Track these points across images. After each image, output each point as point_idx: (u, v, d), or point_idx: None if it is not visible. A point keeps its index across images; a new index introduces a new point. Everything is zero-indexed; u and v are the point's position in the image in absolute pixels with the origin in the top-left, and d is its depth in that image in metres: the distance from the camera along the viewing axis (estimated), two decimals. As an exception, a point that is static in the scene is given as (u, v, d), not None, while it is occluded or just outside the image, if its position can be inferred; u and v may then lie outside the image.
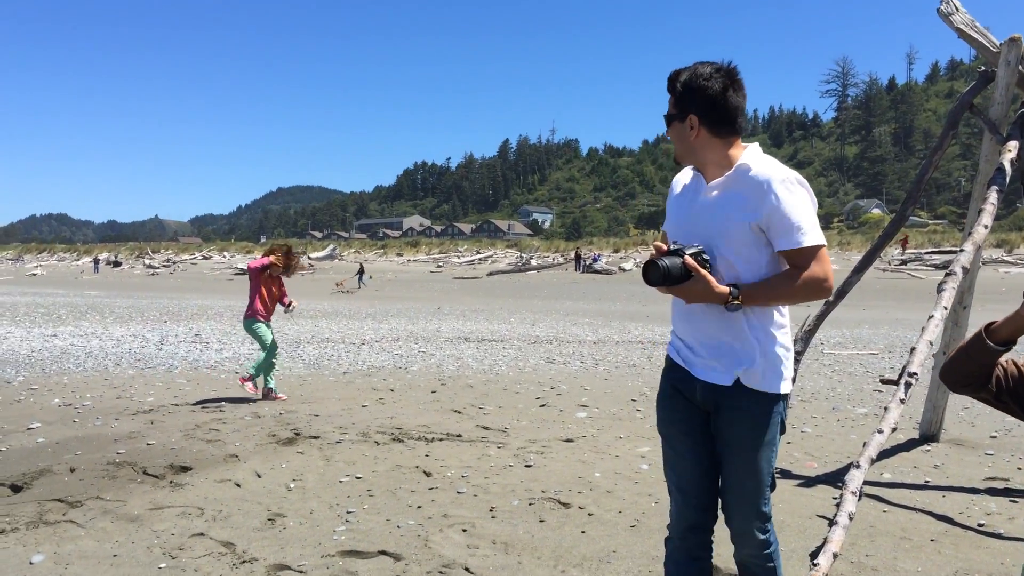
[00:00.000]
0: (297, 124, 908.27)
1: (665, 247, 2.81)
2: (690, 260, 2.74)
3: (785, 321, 2.92)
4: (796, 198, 2.77)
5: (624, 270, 51.32)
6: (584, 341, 15.58)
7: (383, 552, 4.40)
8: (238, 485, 5.60)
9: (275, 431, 7.20)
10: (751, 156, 2.87)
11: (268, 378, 8.98)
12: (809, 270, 2.77)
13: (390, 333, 16.84)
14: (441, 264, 63.02)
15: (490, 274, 51.62)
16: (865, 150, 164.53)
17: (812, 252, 2.77)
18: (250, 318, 9.02)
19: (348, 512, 5.04)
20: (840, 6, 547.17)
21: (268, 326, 9.03)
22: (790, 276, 2.79)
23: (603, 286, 41.92)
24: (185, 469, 6.00)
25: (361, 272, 39.37)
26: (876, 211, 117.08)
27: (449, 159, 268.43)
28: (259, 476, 5.83)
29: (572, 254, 62.13)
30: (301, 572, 4.14)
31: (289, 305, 9.33)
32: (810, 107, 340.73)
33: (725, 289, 2.76)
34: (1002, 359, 2.04)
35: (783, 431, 2.93)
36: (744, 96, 2.92)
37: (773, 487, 2.97)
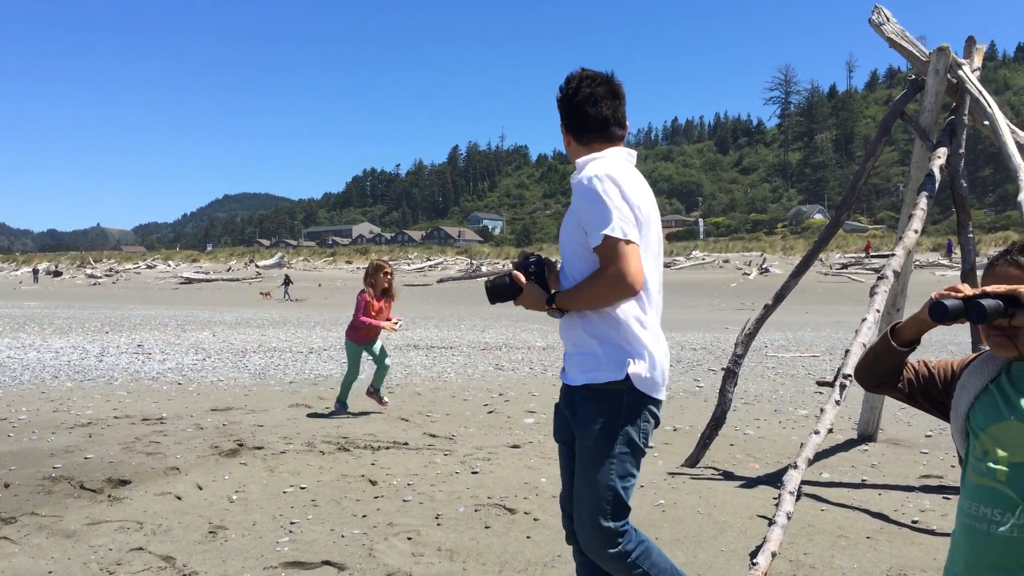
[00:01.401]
0: (244, 130, 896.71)
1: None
2: (517, 272, 2.82)
3: (623, 320, 2.76)
4: (600, 194, 2.70)
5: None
6: (533, 347, 15.64)
7: (327, 562, 4.37)
8: (179, 498, 5.50)
9: (217, 442, 7.10)
10: (585, 160, 2.87)
11: (380, 392, 8.88)
12: (607, 266, 2.67)
13: (338, 341, 16.70)
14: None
15: (440, 281, 51.53)
16: (807, 156, 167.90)
17: (608, 248, 2.66)
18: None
19: (292, 523, 4.99)
20: (783, 15, 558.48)
21: (361, 346, 8.83)
22: (593, 276, 2.73)
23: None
24: (124, 483, 5.88)
25: (287, 282, 38.46)
26: (819, 216, 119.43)
27: (399, 166, 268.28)
28: (200, 488, 5.74)
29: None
30: (243, 585, 4.08)
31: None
32: (755, 114, 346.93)
33: (543, 296, 2.81)
34: (912, 360, 2.11)
35: (634, 445, 2.82)
36: (616, 104, 2.92)
37: (620, 505, 2.83)
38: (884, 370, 2.08)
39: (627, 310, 2.75)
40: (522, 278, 2.86)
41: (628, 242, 2.66)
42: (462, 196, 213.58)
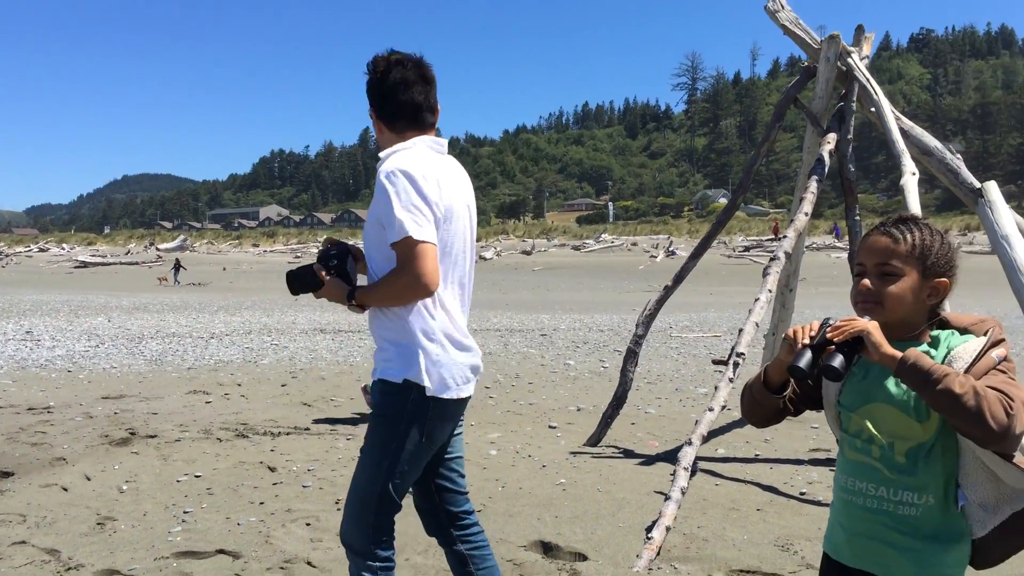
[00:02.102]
0: (143, 108, 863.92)
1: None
2: (318, 265, 2.77)
3: (411, 319, 2.72)
4: (396, 192, 2.65)
5: (485, 259, 51.64)
6: (442, 330, 15.60)
7: (221, 551, 4.26)
8: (65, 489, 5.28)
9: (108, 431, 6.84)
10: (388, 152, 2.80)
11: None
12: (403, 266, 2.65)
13: (242, 326, 16.31)
14: (300, 255, 61.43)
15: (350, 264, 50.80)
16: (713, 142, 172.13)
17: (404, 247, 2.63)
18: None
19: (185, 512, 4.85)
20: (691, 1, 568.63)
21: None
22: (390, 274, 2.71)
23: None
24: (7, 475, 5.61)
25: (177, 267, 37.01)
26: (723, 200, 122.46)
27: (308, 147, 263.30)
28: (89, 479, 5.52)
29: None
30: (131, 577, 3.95)
31: None
32: (663, 100, 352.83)
33: (344, 291, 2.76)
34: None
35: (414, 442, 2.74)
36: (427, 89, 2.83)
37: (389, 501, 2.77)
38: (767, 412, 2.11)
39: (417, 310, 2.72)
40: (323, 273, 2.77)
41: (423, 242, 2.61)
42: (373, 178, 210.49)
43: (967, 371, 1.82)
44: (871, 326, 1.85)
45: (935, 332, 1.98)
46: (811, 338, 1.88)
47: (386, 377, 2.73)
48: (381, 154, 2.82)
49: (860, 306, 1.97)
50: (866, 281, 1.97)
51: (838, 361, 1.82)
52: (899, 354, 1.81)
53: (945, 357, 1.89)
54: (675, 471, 4.63)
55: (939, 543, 1.90)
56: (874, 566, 1.95)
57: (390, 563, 2.83)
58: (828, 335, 1.86)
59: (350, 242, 2.97)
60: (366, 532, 2.77)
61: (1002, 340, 1.90)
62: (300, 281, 2.83)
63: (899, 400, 1.91)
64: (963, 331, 1.96)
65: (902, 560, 1.91)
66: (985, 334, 1.91)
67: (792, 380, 2.05)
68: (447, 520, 3.01)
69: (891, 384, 1.94)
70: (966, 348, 1.88)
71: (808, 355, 1.85)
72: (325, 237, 2.84)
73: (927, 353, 1.91)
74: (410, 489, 2.90)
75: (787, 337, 1.94)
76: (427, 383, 2.68)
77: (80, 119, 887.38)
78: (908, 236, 1.97)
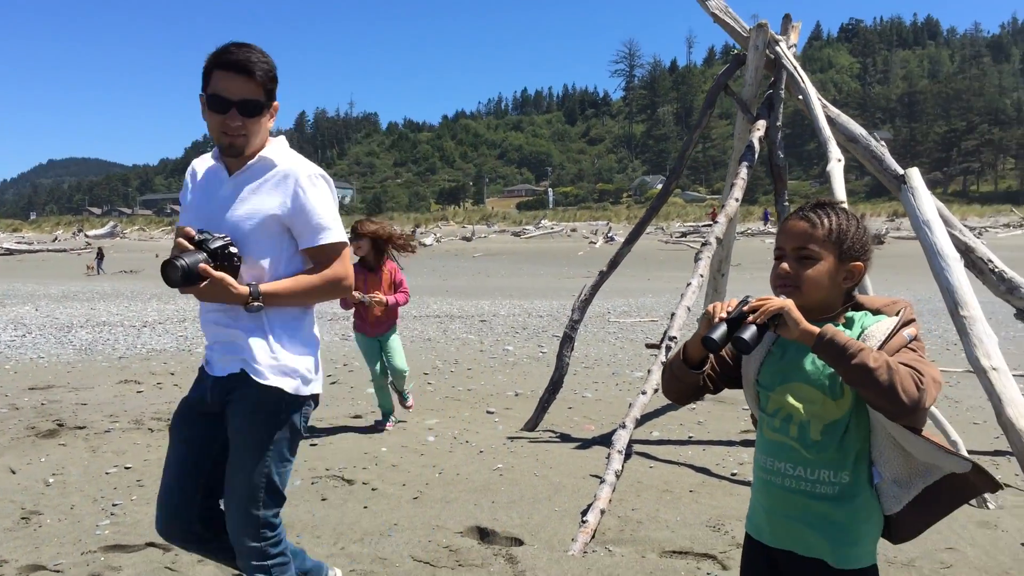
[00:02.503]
0: (70, 90, 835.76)
1: (188, 242, 2.63)
2: (204, 266, 2.57)
3: (306, 318, 2.85)
4: (321, 194, 2.75)
5: (425, 245, 51.39)
6: (380, 317, 15.51)
7: (151, 544, 4.19)
8: (-12, 484, 5.13)
9: (34, 423, 6.65)
10: (277, 150, 2.81)
11: (404, 394, 6.95)
12: (330, 268, 2.76)
13: (176, 314, 15.97)
14: (235, 241, 60.35)
15: (287, 251, 50.06)
16: (650, 128, 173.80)
17: (334, 250, 2.76)
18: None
19: (114, 505, 4.75)
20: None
21: (371, 339, 6.64)
22: (311, 274, 2.77)
23: (402, 261, 41.83)
24: (-75, 470, 5.42)
25: (100, 256, 35.54)
26: (661, 187, 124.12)
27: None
28: (14, 472, 5.37)
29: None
30: (58, 572, 3.87)
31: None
32: (601, 86, 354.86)
33: (245, 290, 2.65)
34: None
35: (297, 438, 2.84)
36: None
37: (276, 500, 2.79)
38: (686, 388, 2.14)
39: (311, 310, 2.89)
40: (212, 272, 2.59)
41: (347, 245, 2.82)
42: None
43: (880, 349, 1.88)
44: (788, 303, 1.90)
45: (850, 314, 2.04)
46: (728, 313, 1.93)
47: (275, 384, 2.73)
48: (277, 152, 2.79)
49: (779, 289, 2.02)
50: (784, 265, 2.02)
51: (748, 333, 1.88)
52: (816, 329, 1.87)
53: (859, 336, 1.95)
54: (609, 454, 4.69)
55: (855, 521, 1.96)
56: (794, 545, 2.00)
57: (285, 557, 2.85)
58: (746, 312, 1.91)
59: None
60: (258, 528, 2.76)
61: (912, 320, 1.96)
62: (185, 272, 2.55)
63: (814, 379, 1.97)
64: (876, 312, 2.02)
65: (820, 538, 1.96)
66: (897, 314, 1.98)
67: (711, 357, 2.10)
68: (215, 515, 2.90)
69: (807, 363, 1.99)
70: (879, 327, 1.95)
71: (723, 328, 1.91)
72: (197, 231, 2.65)
73: (846, 328, 1.98)
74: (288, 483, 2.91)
75: (706, 313, 1.99)
76: (313, 376, 2.83)
77: (2, 102, 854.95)
78: (825, 221, 2.02)
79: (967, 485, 1.94)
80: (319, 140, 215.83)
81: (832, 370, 1.92)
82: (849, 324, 2.02)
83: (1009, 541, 4.18)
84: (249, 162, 2.75)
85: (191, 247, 2.62)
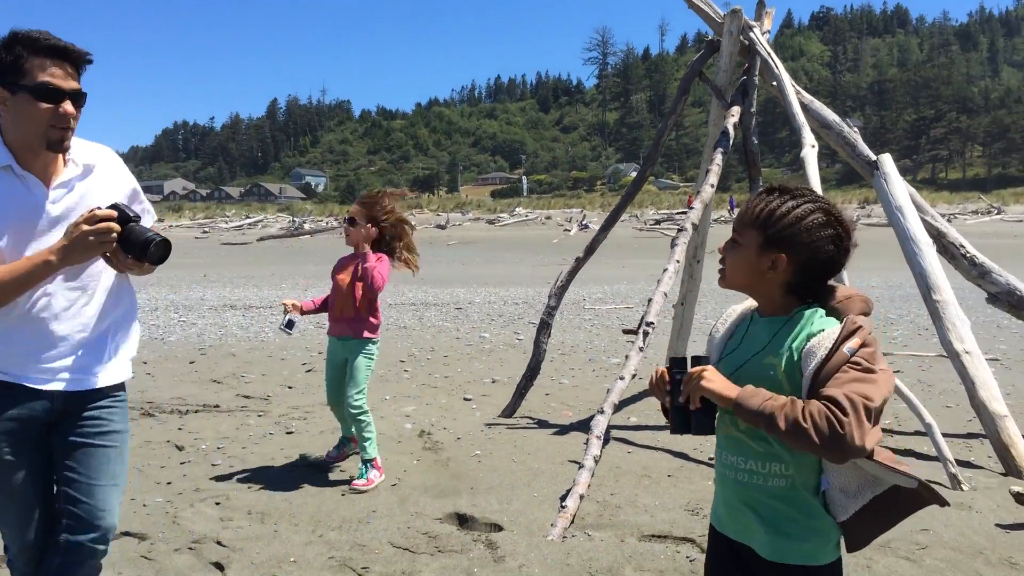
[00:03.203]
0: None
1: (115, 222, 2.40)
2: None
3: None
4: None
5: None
6: (355, 305, 15.43)
7: (127, 533, 4.14)
8: (-43, 476, 5.05)
9: None
10: (91, 145, 2.64)
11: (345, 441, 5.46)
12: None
13: (147, 303, 15.78)
14: (207, 230, 59.73)
15: (261, 239, 49.65)
16: (624, 116, 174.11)
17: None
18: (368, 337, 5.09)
19: (88, 495, 4.69)
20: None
21: (332, 339, 5.20)
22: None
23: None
24: None
25: None
26: (635, 174, 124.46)
27: (213, 119, 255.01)
28: (-17, 464, 5.29)
29: (344, 218, 61.10)
30: (30, 563, 3.81)
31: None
32: (575, 74, 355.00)
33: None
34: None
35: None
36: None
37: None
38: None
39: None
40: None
41: None
42: (283, 152, 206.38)
43: (820, 368, 1.80)
44: (705, 379, 1.86)
45: (802, 309, 1.94)
46: (669, 399, 1.94)
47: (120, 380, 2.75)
48: (77, 141, 2.55)
49: (719, 270, 2.02)
50: (720, 247, 2.02)
51: (700, 421, 1.91)
52: (735, 396, 1.83)
53: (802, 348, 1.86)
54: (588, 440, 4.70)
55: (802, 516, 1.91)
56: (747, 538, 1.97)
57: None
58: (681, 400, 1.91)
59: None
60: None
61: (857, 329, 1.84)
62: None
63: (761, 377, 1.90)
64: (833, 309, 1.93)
65: (763, 532, 1.92)
66: (844, 319, 1.88)
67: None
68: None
69: (754, 362, 1.94)
70: (820, 341, 1.84)
71: (679, 417, 1.93)
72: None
73: (790, 328, 1.90)
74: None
75: (651, 382, 2.00)
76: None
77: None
78: (758, 206, 1.94)
79: (916, 496, 1.90)
80: (291, 128, 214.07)
81: (774, 371, 1.89)
82: (795, 322, 1.92)
83: (983, 521, 4.24)
84: (69, 156, 2.51)
85: (121, 225, 2.39)
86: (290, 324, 5.06)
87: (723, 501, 2.04)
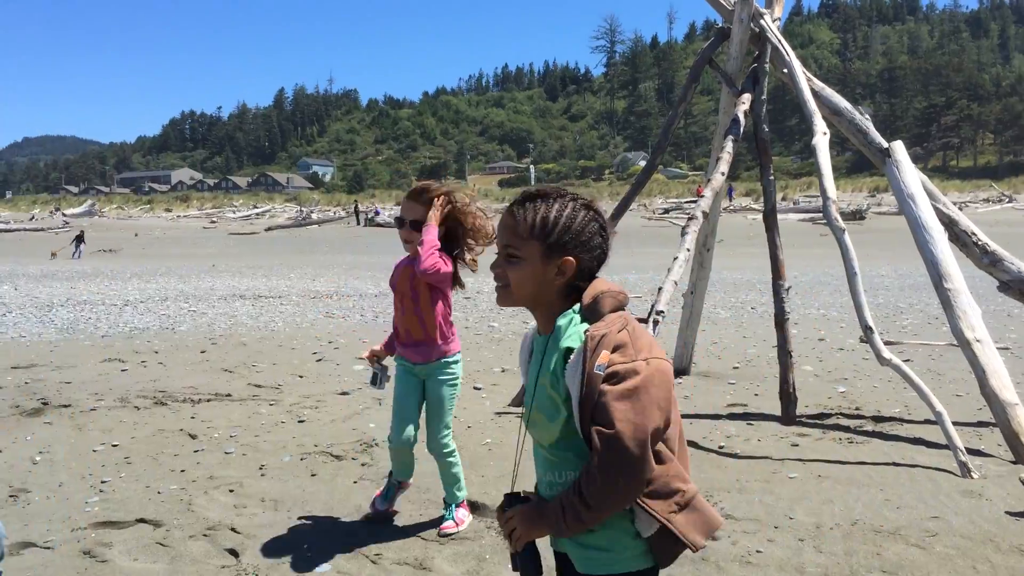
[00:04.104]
0: (44, 67, 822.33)
1: None
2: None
3: None
4: None
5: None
6: (365, 294, 15.45)
7: (142, 520, 4.19)
8: (-27, 463, 5.10)
9: (19, 402, 6.61)
10: None
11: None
12: None
13: (157, 293, 15.85)
14: (215, 220, 59.85)
15: (268, 229, 49.76)
16: (632, 104, 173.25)
17: None
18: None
19: (103, 482, 4.74)
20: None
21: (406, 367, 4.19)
22: None
23: (385, 239, 41.65)
24: (-91, 450, 5.38)
25: (80, 240, 33.14)
26: (643, 163, 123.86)
27: (220, 108, 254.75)
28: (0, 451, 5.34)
29: (352, 207, 61.18)
30: (48, 548, 3.86)
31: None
32: (582, 62, 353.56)
33: None
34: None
35: None
36: None
37: None
38: None
39: None
40: None
41: None
42: (290, 141, 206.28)
43: (582, 399, 1.74)
44: (517, 523, 1.85)
45: (561, 320, 1.86)
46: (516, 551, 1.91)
47: None
48: None
49: (496, 289, 1.91)
50: (496, 264, 1.90)
51: (527, 565, 1.88)
52: (547, 529, 1.82)
53: (561, 371, 1.79)
54: (598, 427, 4.71)
55: (605, 527, 1.82)
56: (561, 547, 1.93)
57: None
58: (511, 551, 1.90)
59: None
60: None
61: (600, 340, 1.75)
62: None
63: (549, 407, 1.85)
64: (587, 310, 1.84)
65: (570, 543, 1.87)
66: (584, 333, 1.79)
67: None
68: None
69: (540, 389, 1.88)
70: (572, 367, 1.76)
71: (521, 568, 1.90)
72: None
73: (554, 343, 1.83)
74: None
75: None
76: None
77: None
78: (528, 215, 1.85)
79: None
80: (298, 117, 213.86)
81: (549, 394, 1.83)
82: (558, 334, 1.84)
83: (993, 509, 4.24)
84: None
85: None
86: (376, 379, 4.22)
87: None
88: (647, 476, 1.72)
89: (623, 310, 1.85)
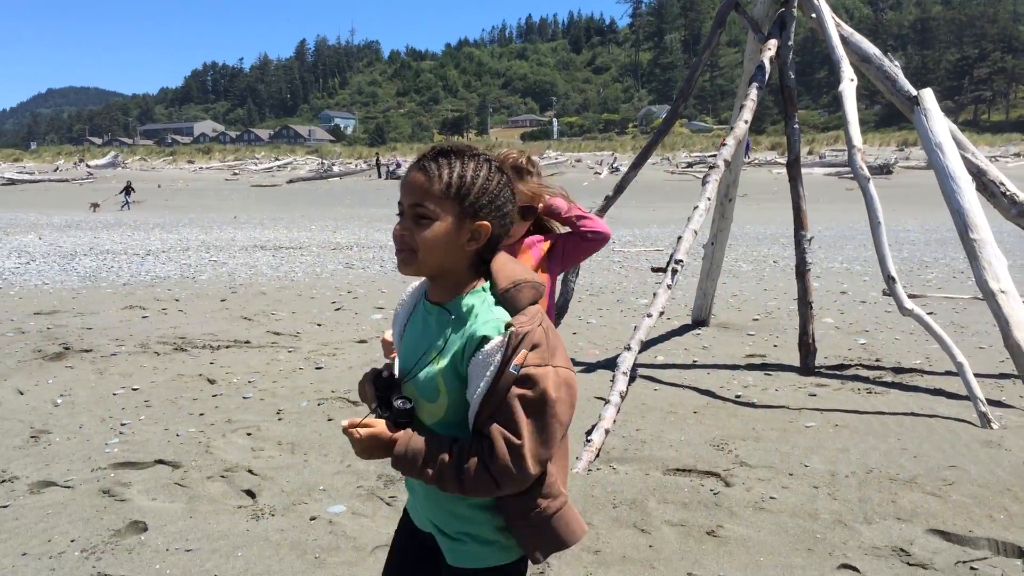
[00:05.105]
0: (67, 19, 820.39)
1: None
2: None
3: None
4: None
5: (428, 175, 51.15)
6: (385, 246, 15.46)
7: (160, 461, 4.24)
8: (-3, 405, 5.17)
9: (41, 346, 6.69)
10: None
11: None
12: None
13: (179, 243, 15.95)
14: (237, 172, 59.94)
15: (290, 181, 49.78)
16: (657, 57, 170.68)
17: None
18: None
19: (123, 424, 4.79)
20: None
21: None
22: None
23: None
24: (-66, 392, 5.47)
25: (128, 190, 32.54)
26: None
27: (242, 60, 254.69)
28: (21, 393, 5.41)
29: (373, 160, 61.03)
30: (68, 487, 3.91)
31: None
32: (607, 13, 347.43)
33: None
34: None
35: None
36: None
37: None
38: None
39: None
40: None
41: None
42: (312, 93, 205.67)
43: (487, 394, 1.60)
44: (367, 453, 1.68)
45: (468, 300, 1.70)
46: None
47: None
48: None
49: (397, 253, 1.71)
50: (398, 226, 1.71)
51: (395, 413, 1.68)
52: (392, 455, 1.66)
53: (468, 359, 1.63)
54: (614, 376, 4.70)
55: (477, 511, 1.73)
56: (432, 528, 1.82)
57: None
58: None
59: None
60: None
61: (522, 339, 1.61)
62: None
63: (430, 388, 1.71)
64: (501, 298, 1.68)
65: (440, 534, 1.79)
66: (508, 328, 1.62)
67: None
68: None
69: (424, 365, 1.72)
70: (485, 358, 1.60)
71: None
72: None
73: (459, 324, 1.67)
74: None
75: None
76: None
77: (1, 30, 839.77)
78: (444, 172, 1.68)
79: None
80: (320, 69, 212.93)
81: (424, 372, 1.69)
82: (463, 316, 1.68)
83: (1012, 459, 4.20)
84: None
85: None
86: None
87: (412, 490, 1.88)
88: (514, 487, 1.62)
89: (537, 303, 1.71)
